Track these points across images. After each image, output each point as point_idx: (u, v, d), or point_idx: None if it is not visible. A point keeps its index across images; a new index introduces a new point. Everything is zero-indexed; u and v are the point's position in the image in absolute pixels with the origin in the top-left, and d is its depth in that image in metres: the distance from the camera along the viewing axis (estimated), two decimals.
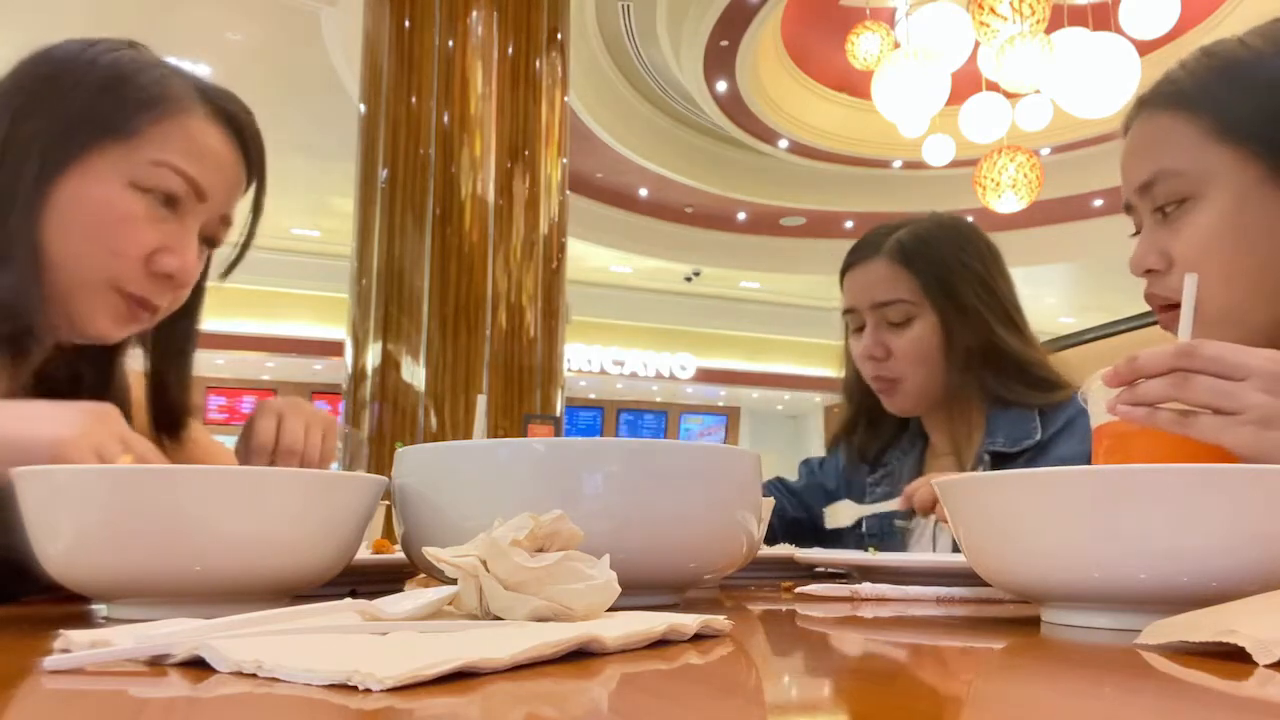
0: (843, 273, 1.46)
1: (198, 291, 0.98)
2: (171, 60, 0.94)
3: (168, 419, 1.00)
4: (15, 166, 0.84)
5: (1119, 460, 0.71)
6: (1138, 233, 0.95)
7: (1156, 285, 0.90)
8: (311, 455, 0.96)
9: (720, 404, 15.46)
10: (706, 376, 14.18)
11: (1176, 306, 0.85)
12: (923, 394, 1.38)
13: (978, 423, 1.38)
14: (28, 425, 0.69)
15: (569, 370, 11.97)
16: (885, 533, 1.37)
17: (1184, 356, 0.65)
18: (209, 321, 1.03)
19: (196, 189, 0.89)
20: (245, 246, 1.00)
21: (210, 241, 0.96)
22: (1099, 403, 0.72)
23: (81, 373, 0.95)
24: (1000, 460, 1.31)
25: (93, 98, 0.87)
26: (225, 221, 0.96)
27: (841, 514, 1.33)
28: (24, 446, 0.66)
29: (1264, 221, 0.84)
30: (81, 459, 0.66)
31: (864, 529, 1.39)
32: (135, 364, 1.01)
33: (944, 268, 1.37)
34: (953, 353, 1.36)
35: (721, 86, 8.25)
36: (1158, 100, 0.91)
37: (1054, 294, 12.57)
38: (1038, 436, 1.30)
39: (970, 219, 1.51)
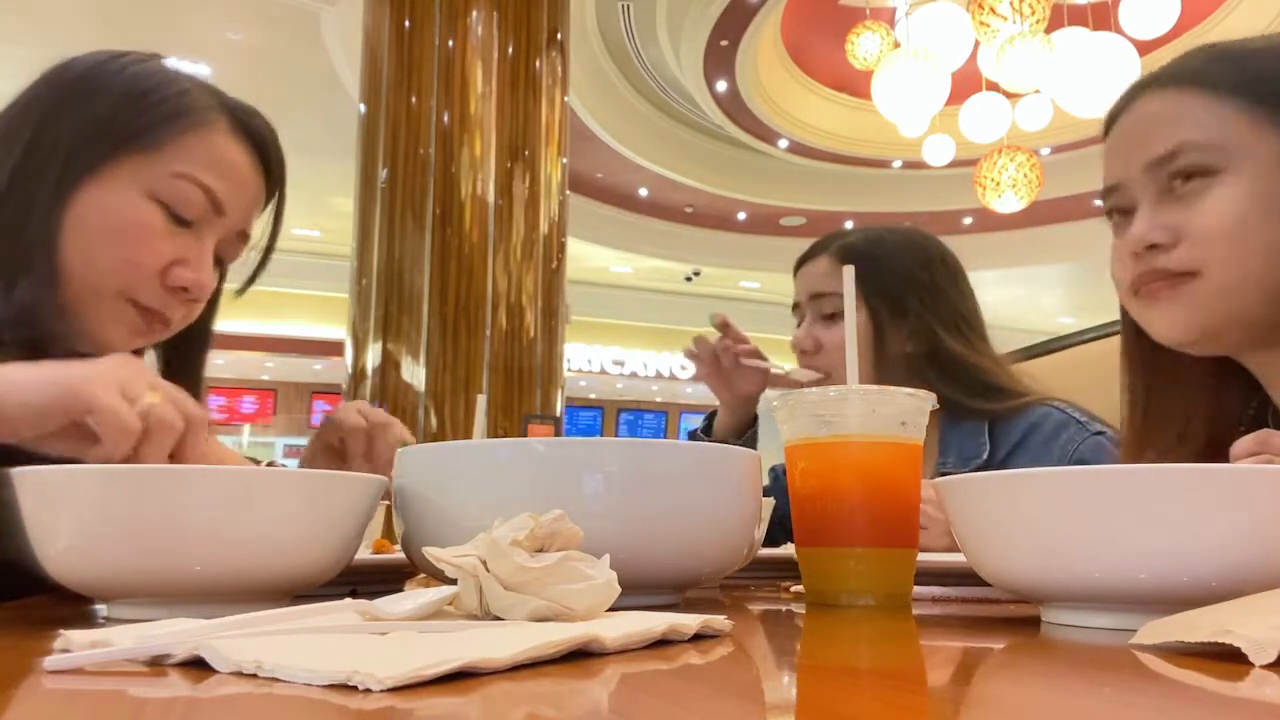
0: (794, 271, 1.48)
1: (212, 301, 0.98)
2: (181, 66, 0.94)
3: None
4: (38, 172, 0.84)
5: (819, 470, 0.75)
6: (1116, 212, 0.93)
7: (1156, 260, 0.87)
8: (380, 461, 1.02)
9: None
10: None
11: (1177, 276, 0.86)
12: None
13: (933, 435, 1.37)
14: (54, 369, 0.67)
15: (569, 370, 11.96)
16: None
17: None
18: None
19: (215, 203, 0.89)
20: (264, 261, 1.00)
21: (225, 258, 0.96)
22: (784, 421, 0.76)
23: None
24: None
25: (117, 107, 0.87)
26: (242, 237, 0.96)
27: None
28: (52, 381, 0.65)
29: None
30: (107, 394, 0.64)
31: None
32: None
33: (883, 270, 1.38)
34: (884, 355, 1.36)
35: (721, 86, 8.25)
36: (1165, 80, 0.89)
37: (1054, 294, 12.56)
38: (984, 455, 1.30)
39: (930, 232, 1.51)
